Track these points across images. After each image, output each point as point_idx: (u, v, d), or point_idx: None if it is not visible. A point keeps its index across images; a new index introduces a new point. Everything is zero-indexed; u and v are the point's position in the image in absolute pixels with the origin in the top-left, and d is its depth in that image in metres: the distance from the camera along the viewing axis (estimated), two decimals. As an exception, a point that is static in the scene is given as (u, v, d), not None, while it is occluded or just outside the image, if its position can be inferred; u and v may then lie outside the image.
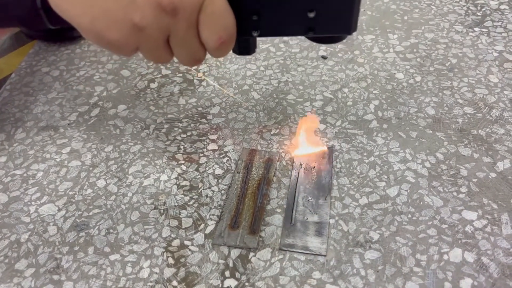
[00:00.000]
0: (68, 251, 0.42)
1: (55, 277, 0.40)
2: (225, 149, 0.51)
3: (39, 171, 0.50)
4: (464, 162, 0.47)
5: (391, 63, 0.62)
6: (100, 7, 0.30)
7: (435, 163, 0.47)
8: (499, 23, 0.68)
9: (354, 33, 0.68)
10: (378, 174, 0.47)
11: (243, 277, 0.39)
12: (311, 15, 0.33)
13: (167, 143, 0.52)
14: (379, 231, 0.42)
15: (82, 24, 0.31)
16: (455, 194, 0.44)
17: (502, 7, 0.72)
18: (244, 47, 0.38)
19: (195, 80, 0.61)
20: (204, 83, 0.60)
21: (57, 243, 0.42)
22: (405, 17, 0.71)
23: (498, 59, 0.61)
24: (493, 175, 0.46)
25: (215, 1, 0.31)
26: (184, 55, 0.34)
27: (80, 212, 0.45)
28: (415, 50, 0.64)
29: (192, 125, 0.54)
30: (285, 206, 0.44)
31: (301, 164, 0.48)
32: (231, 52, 0.36)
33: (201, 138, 0.52)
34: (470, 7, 0.72)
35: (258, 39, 0.40)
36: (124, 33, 0.31)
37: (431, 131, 0.51)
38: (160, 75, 0.62)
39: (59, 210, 0.45)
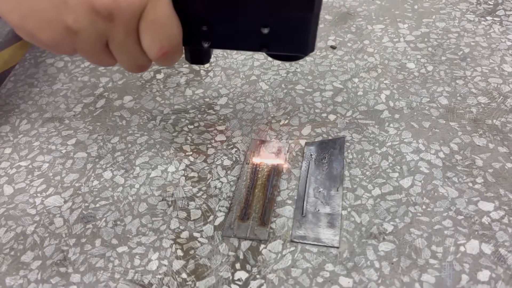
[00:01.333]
0: (75, 243, 0.41)
1: (62, 269, 0.39)
2: (234, 140, 0.50)
3: (45, 162, 0.49)
4: (479, 153, 0.46)
5: (401, 52, 0.60)
6: (31, 5, 0.28)
7: (449, 154, 0.46)
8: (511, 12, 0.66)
9: (363, 23, 0.66)
10: (390, 164, 0.46)
11: (254, 269, 0.38)
12: (265, 31, 0.31)
13: (174, 134, 0.51)
14: (393, 222, 0.40)
15: (13, 22, 0.29)
16: (470, 184, 0.43)
17: (514, -5, 0.70)
18: (196, 56, 0.36)
19: (201, 71, 0.60)
20: (211, 74, 0.59)
21: (64, 235, 0.41)
22: (415, 6, 0.69)
23: (511, 48, 0.59)
24: (509, 165, 0.44)
25: (158, 8, 0.28)
26: (125, 62, 0.32)
27: (86, 204, 0.44)
28: (426, 40, 0.62)
29: (199, 116, 0.53)
30: (295, 198, 0.43)
31: (311, 155, 0.47)
32: None
33: (209, 129, 0.51)
34: (482, -4, 0.71)
35: None
36: (57, 34, 0.29)
37: (444, 121, 0.50)
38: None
39: (65, 202, 0.44)
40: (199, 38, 0.32)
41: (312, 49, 0.33)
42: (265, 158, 0.47)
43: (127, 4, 0.27)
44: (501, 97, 0.52)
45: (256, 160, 0.47)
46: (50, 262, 0.39)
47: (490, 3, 0.69)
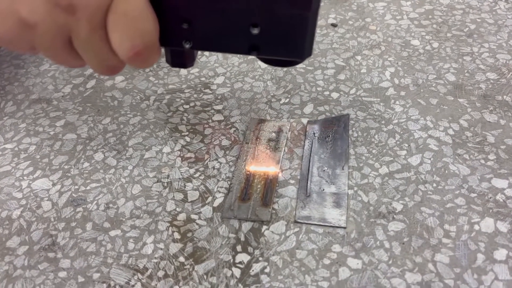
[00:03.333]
0: (64, 227, 0.38)
1: (51, 254, 0.36)
2: (232, 120, 0.47)
3: (32, 144, 0.46)
4: (490, 129, 0.44)
5: (405, 30, 0.58)
6: None
7: (459, 130, 0.44)
8: (518, -11, 0.64)
9: (365, 1, 0.64)
10: (398, 142, 0.43)
11: (256, 252, 0.35)
12: (255, 31, 0.27)
13: (169, 114, 0.48)
14: (403, 201, 0.38)
15: None
16: (482, 161, 0.41)
17: (519, -27, 0.68)
18: (178, 58, 0.31)
19: (197, 50, 0.57)
20: (206, 53, 0.56)
21: (52, 219, 0.39)
22: (418, -16, 0.67)
23: (519, 24, 0.57)
24: (522, 141, 0.42)
25: None
26: (93, 62, 0.27)
27: (76, 187, 0.41)
28: (430, 17, 0.60)
29: (195, 95, 0.50)
30: (298, 177, 0.41)
31: (314, 134, 0.44)
32: None
33: (206, 109, 0.49)
34: (486, -26, 0.68)
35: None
36: (10, 27, 0.25)
37: (452, 98, 0.48)
38: (159, 46, 0.58)
39: (53, 184, 0.42)
40: (179, 37, 0.28)
41: (310, 53, 0.29)
42: (266, 138, 0.44)
43: None
44: (511, 73, 0.50)
45: (256, 139, 0.44)
46: (37, 247, 0.37)
47: (495, -20, 0.67)
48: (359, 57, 0.54)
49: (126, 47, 0.25)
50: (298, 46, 0.28)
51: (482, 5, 0.61)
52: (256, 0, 0.26)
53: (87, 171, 0.43)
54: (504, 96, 0.47)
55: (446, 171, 0.40)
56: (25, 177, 0.43)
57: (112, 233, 0.37)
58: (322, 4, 0.64)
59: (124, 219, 0.38)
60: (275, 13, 0.26)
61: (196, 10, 0.27)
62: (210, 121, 0.47)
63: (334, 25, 0.59)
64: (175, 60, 0.31)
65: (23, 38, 0.25)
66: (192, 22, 0.27)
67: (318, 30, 0.59)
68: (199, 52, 0.57)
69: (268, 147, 0.43)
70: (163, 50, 0.30)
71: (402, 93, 0.49)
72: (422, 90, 0.49)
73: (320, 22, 0.60)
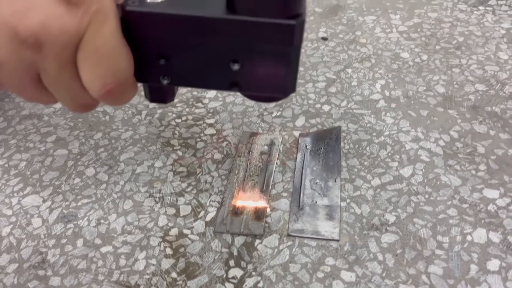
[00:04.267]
0: (54, 244, 0.38)
1: (41, 272, 0.36)
2: (224, 133, 0.47)
3: (22, 161, 0.45)
4: (480, 140, 0.44)
5: (395, 42, 0.59)
6: None
7: (450, 141, 0.44)
8: (504, 1, 0.65)
9: (354, 15, 0.65)
10: (389, 154, 0.43)
11: (250, 266, 0.35)
12: (235, 67, 0.26)
13: (161, 128, 0.48)
14: (395, 212, 0.38)
15: None
16: (473, 172, 0.41)
17: (504, -14, 0.69)
18: (157, 94, 0.30)
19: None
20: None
21: (42, 236, 0.38)
22: (406, -2, 0.68)
23: (506, 36, 0.58)
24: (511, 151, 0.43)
25: (101, 35, 0.23)
26: (64, 100, 0.26)
27: (67, 203, 0.41)
28: (419, 30, 0.61)
29: (187, 109, 0.51)
30: (291, 190, 0.41)
31: (306, 146, 0.45)
32: None
33: (198, 123, 0.49)
34: (472, -13, 0.70)
35: None
36: None
37: (442, 109, 0.48)
38: (151, 60, 0.59)
39: (44, 201, 0.41)
40: (157, 73, 0.27)
41: (293, 89, 0.28)
42: (258, 151, 0.44)
43: (59, 31, 0.22)
44: (499, 84, 0.51)
45: (248, 153, 0.44)
46: (27, 265, 0.36)
47: (481, -7, 0.68)
48: (349, 70, 0.54)
49: (97, 85, 0.24)
50: (281, 83, 0.27)
51: (470, 18, 0.62)
52: (235, 35, 0.24)
53: (78, 187, 0.42)
54: (493, 107, 0.48)
55: (438, 182, 0.40)
56: (15, 194, 0.42)
57: (103, 249, 0.37)
58: (312, 18, 0.65)
59: (115, 235, 0.38)
60: (255, 49, 0.25)
61: (173, 46, 0.25)
62: (202, 135, 0.47)
63: (324, 39, 0.60)
64: (153, 96, 0.30)
65: None
66: (170, 58, 0.26)
67: (309, 44, 0.59)
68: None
69: (260, 160, 0.43)
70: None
71: (393, 105, 0.49)
72: (412, 102, 0.49)
73: (310, 35, 0.61)
